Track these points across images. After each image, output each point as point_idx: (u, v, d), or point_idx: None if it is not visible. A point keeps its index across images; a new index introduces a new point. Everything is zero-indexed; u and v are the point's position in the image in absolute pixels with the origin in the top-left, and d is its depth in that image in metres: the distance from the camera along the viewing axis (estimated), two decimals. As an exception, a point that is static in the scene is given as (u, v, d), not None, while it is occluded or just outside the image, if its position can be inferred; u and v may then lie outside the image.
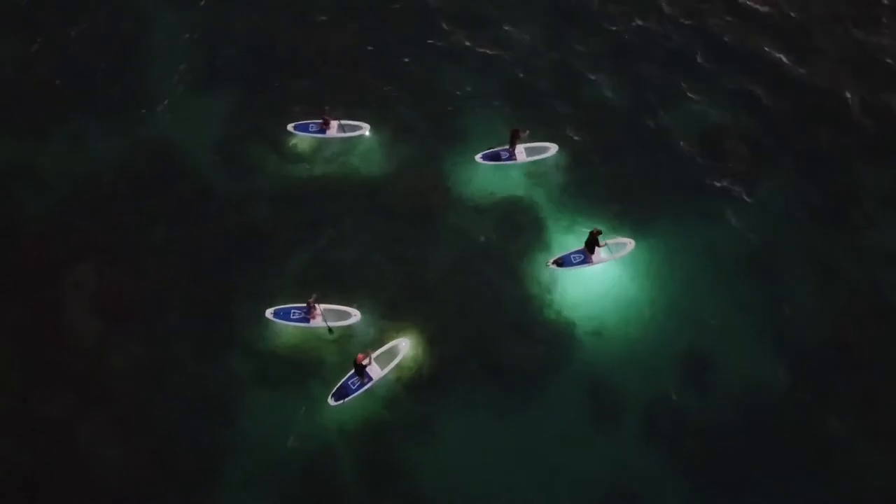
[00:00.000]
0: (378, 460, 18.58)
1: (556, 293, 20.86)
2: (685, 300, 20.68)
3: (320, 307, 19.87)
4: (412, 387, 19.47)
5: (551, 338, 20.17)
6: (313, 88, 25.06)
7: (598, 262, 21.10)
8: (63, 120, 24.67)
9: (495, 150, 23.54)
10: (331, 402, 18.73)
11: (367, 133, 24.24)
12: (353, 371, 18.83)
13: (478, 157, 23.44)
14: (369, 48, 26.23)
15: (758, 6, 26.91)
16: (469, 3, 27.52)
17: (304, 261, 21.57)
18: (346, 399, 18.83)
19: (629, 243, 21.36)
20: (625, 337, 20.15)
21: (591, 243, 20.97)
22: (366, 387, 19.02)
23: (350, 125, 24.29)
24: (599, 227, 20.92)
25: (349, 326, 20.09)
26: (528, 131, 23.05)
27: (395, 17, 27.16)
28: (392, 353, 19.52)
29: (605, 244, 20.89)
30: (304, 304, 19.94)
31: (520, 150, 23.41)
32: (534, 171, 23.25)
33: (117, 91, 25.26)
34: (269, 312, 20.04)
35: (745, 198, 22.61)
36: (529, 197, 22.78)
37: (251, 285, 21.26)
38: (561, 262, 21.09)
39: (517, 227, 22.18)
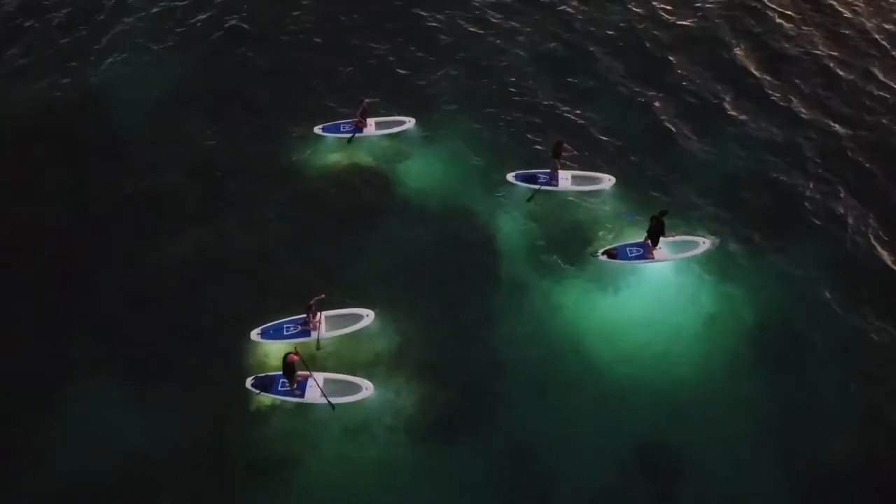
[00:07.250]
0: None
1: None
2: (671, 378, 16.53)
3: (322, 314, 16.57)
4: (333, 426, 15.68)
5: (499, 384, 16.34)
6: (280, 68, 23.16)
7: (659, 260, 18.15)
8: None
9: (532, 172, 19.80)
10: (248, 383, 16.11)
11: (412, 126, 20.74)
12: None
13: (510, 177, 19.80)
14: (361, 36, 24.12)
15: (804, 58, 23.85)
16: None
17: (203, 239, 18.73)
18: (263, 392, 15.93)
19: (703, 243, 18.45)
20: (583, 406, 16.09)
21: (656, 231, 17.86)
22: (291, 398, 15.99)
23: (389, 121, 20.84)
24: (665, 209, 17.99)
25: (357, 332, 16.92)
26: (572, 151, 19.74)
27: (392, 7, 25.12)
28: (348, 388, 15.96)
29: (674, 237, 18.21)
30: (302, 315, 16.59)
31: (565, 176, 19.58)
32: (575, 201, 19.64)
33: (71, 36, 24.05)
34: (254, 334, 16.66)
35: (770, 264, 18.58)
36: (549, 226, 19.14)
37: (126, 253, 18.33)
38: (615, 254, 18.22)
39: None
